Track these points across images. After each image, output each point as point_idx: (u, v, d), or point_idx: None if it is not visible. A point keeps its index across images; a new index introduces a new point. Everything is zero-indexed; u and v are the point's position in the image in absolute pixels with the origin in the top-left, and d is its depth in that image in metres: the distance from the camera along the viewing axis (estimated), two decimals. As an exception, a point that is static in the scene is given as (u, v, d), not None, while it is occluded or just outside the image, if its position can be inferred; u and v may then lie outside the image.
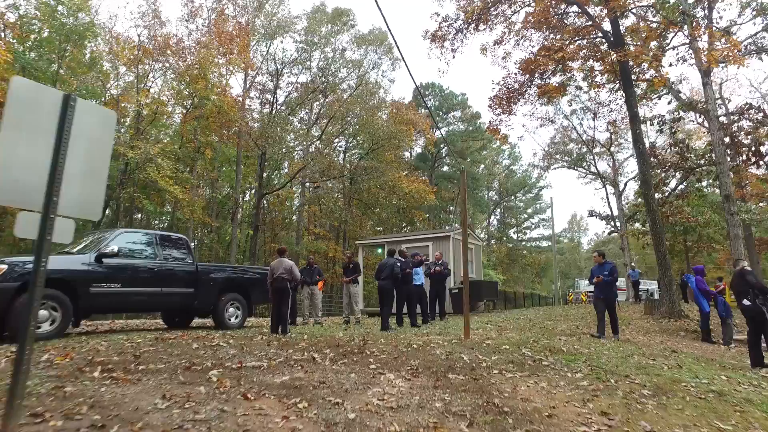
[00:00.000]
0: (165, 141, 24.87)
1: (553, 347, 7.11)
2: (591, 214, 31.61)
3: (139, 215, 34.84)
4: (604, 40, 15.33)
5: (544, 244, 68.17)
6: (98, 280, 7.14)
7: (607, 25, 15.12)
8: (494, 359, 5.97)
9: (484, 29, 16.89)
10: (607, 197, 30.01)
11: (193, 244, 27.74)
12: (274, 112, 29.68)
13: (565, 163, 30.93)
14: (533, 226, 67.57)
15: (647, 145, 25.00)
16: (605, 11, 14.21)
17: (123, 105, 25.26)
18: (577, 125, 28.55)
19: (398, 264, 9.96)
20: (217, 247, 31.95)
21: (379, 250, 21.15)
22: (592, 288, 38.79)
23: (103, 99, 24.07)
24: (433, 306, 12.29)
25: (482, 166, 55.47)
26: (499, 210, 66.09)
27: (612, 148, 29.88)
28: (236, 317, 9.49)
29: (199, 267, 8.96)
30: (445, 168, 51.27)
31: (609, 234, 34.20)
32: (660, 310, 12.43)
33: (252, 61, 30.47)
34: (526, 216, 69.11)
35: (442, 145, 47.99)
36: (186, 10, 25.94)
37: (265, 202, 41.24)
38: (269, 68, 31.58)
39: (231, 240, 30.08)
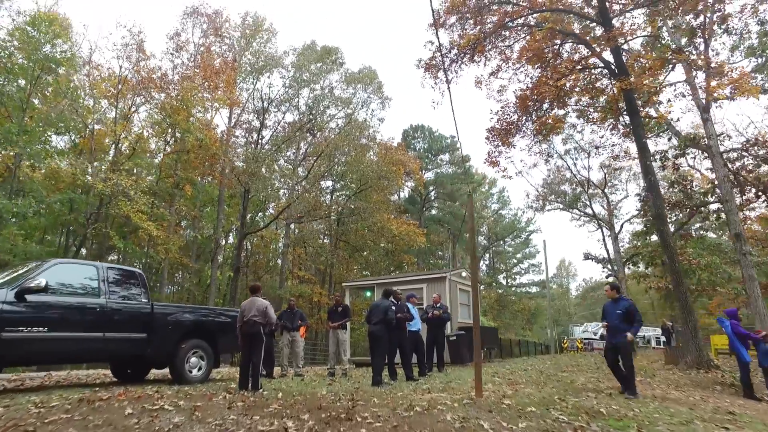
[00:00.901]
0: (141, 175, 23.45)
1: (589, 408, 5.71)
2: (587, 257, 30.58)
3: (116, 256, 32.98)
4: (605, 72, 14.72)
5: (534, 289, 66.95)
6: (15, 323, 5.62)
7: (608, 57, 14.54)
8: (523, 427, 4.57)
9: (480, 61, 16.25)
10: (604, 239, 29.08)
11: (167, 288, 26.10)
12: (258, 148, 28.65)
13: (559, 204, 30.09)
14: (523, 272, 66.53)
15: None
16: (604, 42, 13.63)
17: (104, 139, 24.14)
18: (571, 165, 27.94)
19: (393, 307, 8.57)
20: (195, 290, 30.04)
21: (368, 293, 19.64)
22: (591, 335, 36.94)
23: (78, 133, 22.88)
24: (430, 355, 10.79)
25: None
26: (488, 255, 65.10)
27: (606, 189, 29.23)
28: (199, 369, 7.92)
29: (155, 307, 7.48)
30: (434, 211, 50.47)
31: (606, 277, 33.09)
32: (686, 359, 11.08)
33: (238, 98, 29.79)
34: (515, 261, 68.16)
35: (431, 188, 47.44)
36: (172, 44, 25.32)
37: (249, 245, 39.73)
38: (255, 106, 30.86)
39: (210, 282, 28.33)
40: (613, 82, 14.09)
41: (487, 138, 16.35)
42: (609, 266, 29.58)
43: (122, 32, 22.93)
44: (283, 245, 35.03)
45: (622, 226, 28.65)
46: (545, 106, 16.34)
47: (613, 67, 14.01)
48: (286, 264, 35.24)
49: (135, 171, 23.47)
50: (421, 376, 9.44)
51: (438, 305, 11.13)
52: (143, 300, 7.37)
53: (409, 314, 9.32)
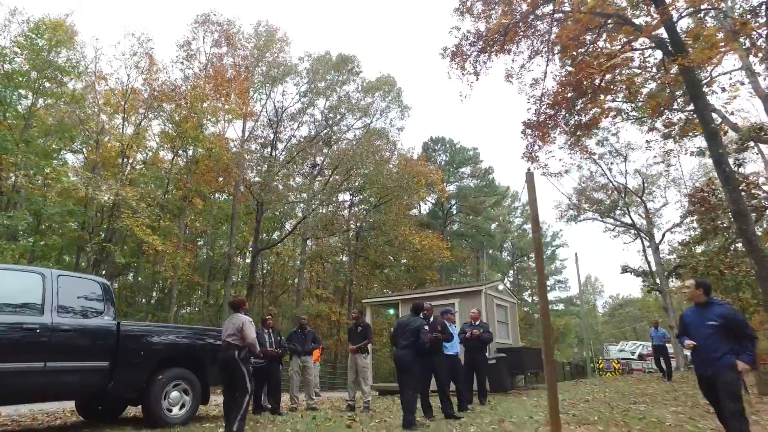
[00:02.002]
0: (150, 187, 22.20)
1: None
2: (625, 270, 28.30)
3: (132, 275, 31.70)
4: (653, 59, 12.94)
5: (560, 306, 64.45)
6: None
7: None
8: None
9: (510, 49, 14.58)
10: (644, 250, 26.73)
11: (175, 308, 24.58)
12: (272, 157, 27.31)
13: (596, 214, 27.84)
14: (549, 288, 63.86)
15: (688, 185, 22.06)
16: (658, 17, 11.86)
17: (112, 152, 23.08)
18: (606, 170, 25.84)
19: (425, 327, 6.75)
20: (207, 311, 28.55)
21: (391, 311, 17.80)
22: (628, 354, 33.39)
23: (84, 144, 21.84)
24: (470, 383, 8.90)
25: (495, 224, 52.72)
26: (512, 272, 62.75)
27: (644, 196, 26.99)
28: (181, 406, 6.21)
29: (123, 327, 5.83)
30: (456, 225, 48.44)
31: (649, 291, 30.66)
32: (788, 388, 8.97)
33: (251, 110, 28.64)
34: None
35: (453, 201, 45.49)
36: (182, 52, 24.29)
37: (266, 264, 38.29)
38: (269, 116, 29.62)
39: (223, 302, 26.79)
40: (667, 63, 12.28)
41: (523, 132, 14.57)
42: (650, 279, 27.27)
43: (130, 41, 21.54)
44: (300, 262, 33.46)
45: (663, 236, 26.33)
46: (596, 79, 14.50)
47: (668, 45, 12.19)
48: (303, 282, 33.61)
49: (141, 182, 22.19)
50: (462, 411, 7.55)
51: (477, 323, 9.27)
52: (107, 318, 5.73)
53: (446, 333, 7.50)
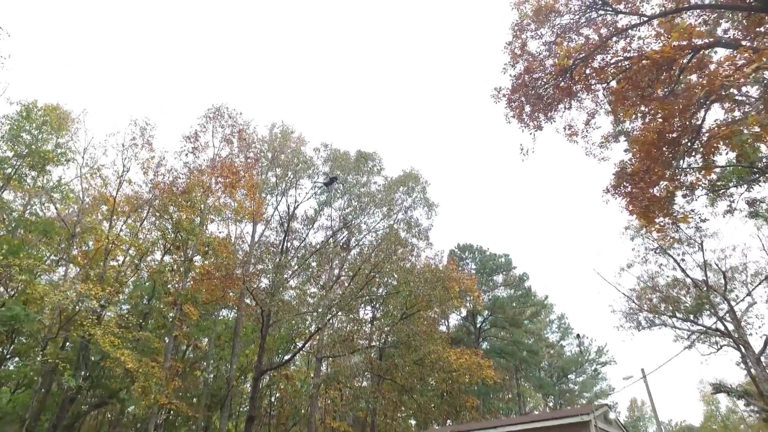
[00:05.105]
0: (135, 293, 18.40)
1: None
2: (718, 389, 22.72)
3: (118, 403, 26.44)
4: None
5: (613, 435, 54.82)
6: None
7: None
8: None
9: (578, 94, 11.52)
10: (746, 362, 21.28)
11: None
12: (283, 256, 23.67)
13: (675, 317, 22.71)
14: (595, 418, 55.28)
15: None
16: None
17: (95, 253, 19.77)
18: (678, 262, 21.49)
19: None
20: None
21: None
22: None
23: (63, 243, 18.62)
24: None
25: (532, 338, 46.83)
26: (552, 396, 55.20)
27: (727, 293, 22.25)
28: None
29: None
30: (489, 341, 42.67)
31: (757, 413, 24.41)
32: None
33: (262, 210, 25.78)
34: (585, 400, 57.53)
35: (485, 313, 40.41)
36: (188, 145, 22.06)
37: (275, 392, 32.86)
38: (281, 214, 26.55)
39: (218, 438, 21.41)
40: None
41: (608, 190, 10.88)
42: (759, 402, 21.47)
43: (132, 130, 19.28)
44: (313, 386, 28.08)
45: (767, 343, 21.07)
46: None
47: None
48: (317, 411, 27.90)
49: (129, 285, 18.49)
50: None
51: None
52: None
53: None
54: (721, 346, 23.86)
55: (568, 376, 54.83)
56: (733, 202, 17.29)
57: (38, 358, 13.87)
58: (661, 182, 10.49)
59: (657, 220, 10.44)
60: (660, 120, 9.24)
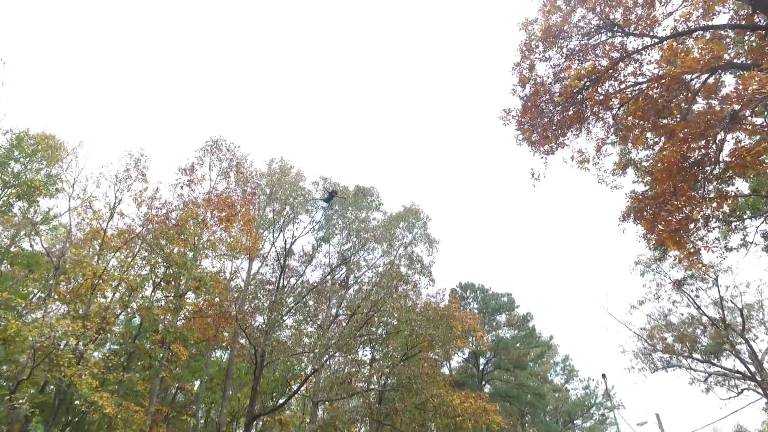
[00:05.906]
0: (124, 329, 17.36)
1: None
2: (740, 436, 21.33)
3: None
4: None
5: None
6: None
7: None
8: None
9: (592, 117, 11.02)
10: (770, 406, 20.05)
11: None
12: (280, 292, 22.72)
13: (692, 358, 21.56)
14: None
15: None
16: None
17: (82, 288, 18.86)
18: (692, 299, 20.57)
19: None
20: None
21: None
22: None
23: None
24: None
25: (537, 381, 45.00)
26: (558, 442, 52.52)
27: (746, 333, 21.21)
28: None
29: None
30: (492, 384, 40.92)
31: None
32: None
33: (259, 247, 25.01)
34: (590, 448, 54.90)
35: (489, 354, 38.93)
36: (183, 178, 21.51)
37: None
38: (278, 249, 25.77)
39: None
40: None
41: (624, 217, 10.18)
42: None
43: (126, 161, 18.76)
44: (309, 433, 26.49)
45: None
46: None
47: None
48: (312, 460, 26.25)
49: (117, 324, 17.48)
50: None
51: None
52: None
53: None
54: (742, 390, 22.60)
55: (575, 422, 52.54)
56: (746, 235, 16.57)
57: (1, 405, 12.69)
58: (690, 205, 9.83)
59: (688, 246, 9.67)
60: (681, 138, 8.69)
